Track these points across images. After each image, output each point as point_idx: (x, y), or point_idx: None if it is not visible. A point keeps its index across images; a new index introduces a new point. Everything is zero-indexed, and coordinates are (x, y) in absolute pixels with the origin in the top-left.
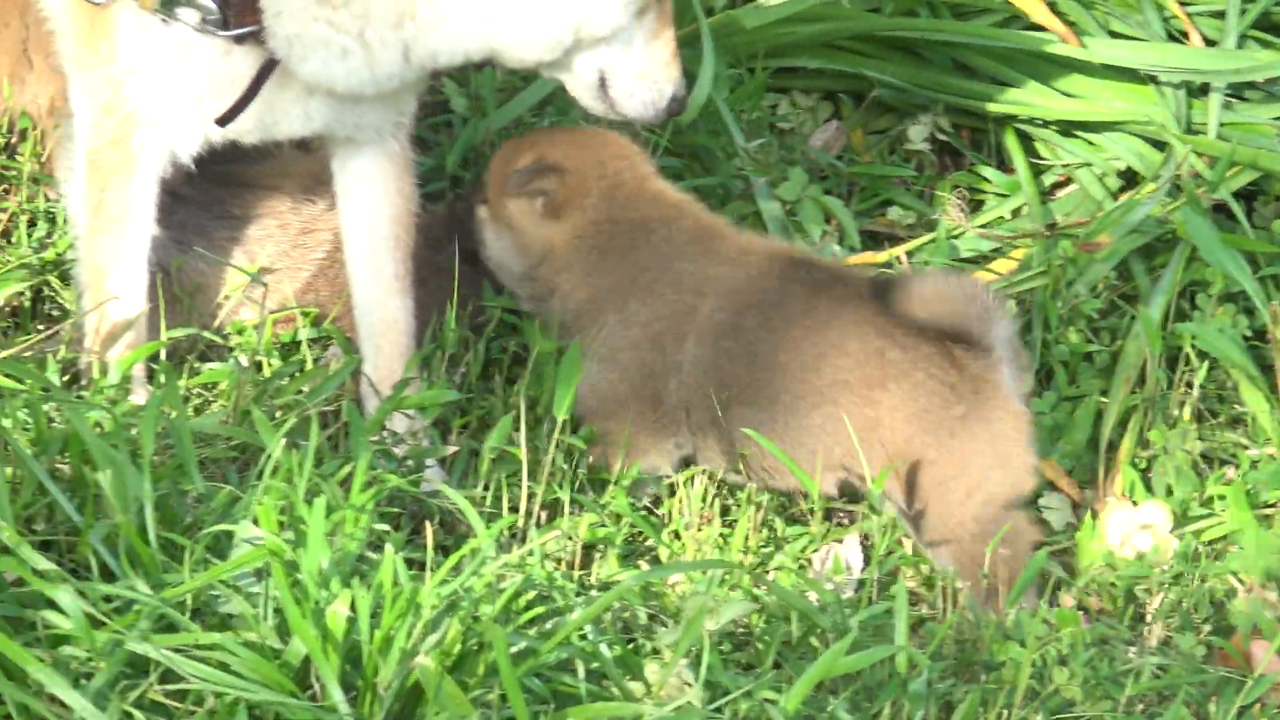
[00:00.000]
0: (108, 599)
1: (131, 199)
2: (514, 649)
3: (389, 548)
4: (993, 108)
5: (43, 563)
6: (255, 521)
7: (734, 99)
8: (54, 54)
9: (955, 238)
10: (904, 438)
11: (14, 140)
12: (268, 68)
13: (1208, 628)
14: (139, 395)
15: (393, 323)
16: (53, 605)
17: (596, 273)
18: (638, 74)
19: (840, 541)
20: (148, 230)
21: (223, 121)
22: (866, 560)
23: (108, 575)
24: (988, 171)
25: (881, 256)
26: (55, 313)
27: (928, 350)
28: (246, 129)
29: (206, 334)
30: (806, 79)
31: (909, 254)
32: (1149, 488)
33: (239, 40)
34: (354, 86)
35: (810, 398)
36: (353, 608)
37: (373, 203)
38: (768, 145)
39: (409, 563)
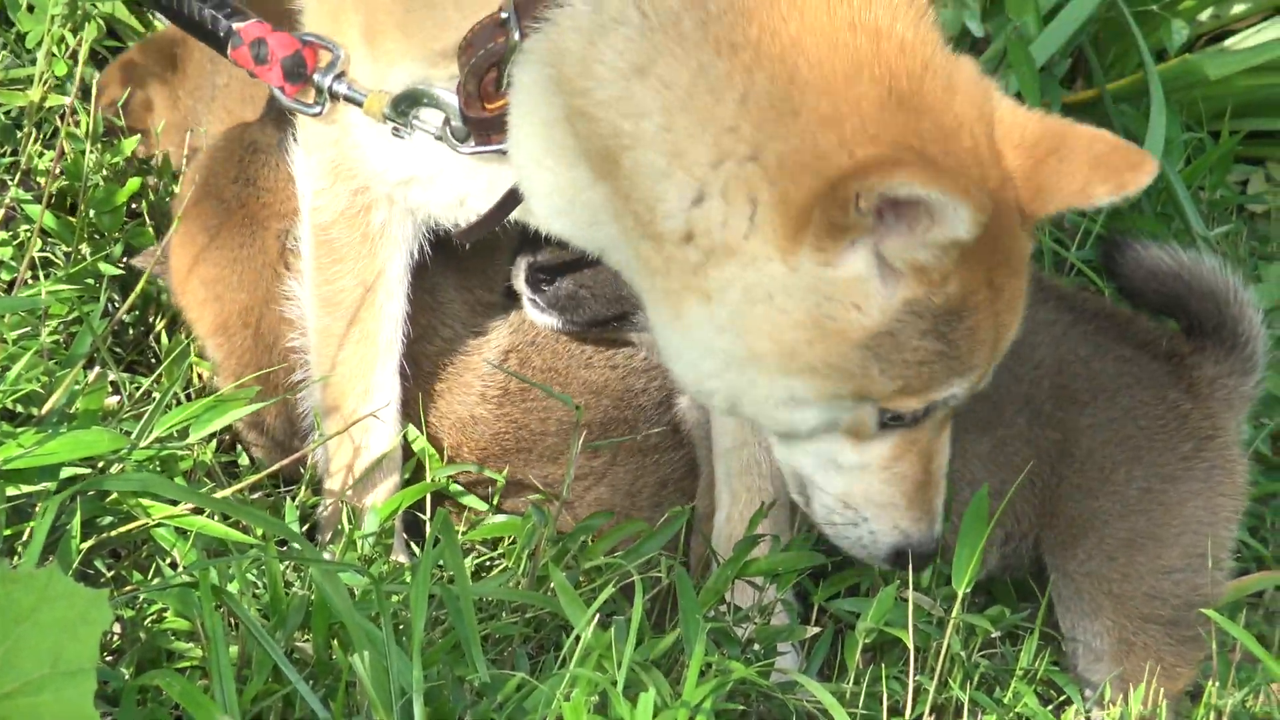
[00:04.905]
0: None
1: (375, 292)
2: None
3: None
4: None
5: None
6: None
7: (1191, 171)
8: None
9: None
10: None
11: None
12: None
13: None
14: (398, 552)
15: (755, 463)
16: None
17: None
18: (838, 496)
19: None
20: (398, 329)
21: (462, 237)
22: None
23: None
24: None
25: None
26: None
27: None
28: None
29: (489, 472)
30: None
31: None
32: None
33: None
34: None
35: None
36: None
37: None
38: (1236, 233)
39: None
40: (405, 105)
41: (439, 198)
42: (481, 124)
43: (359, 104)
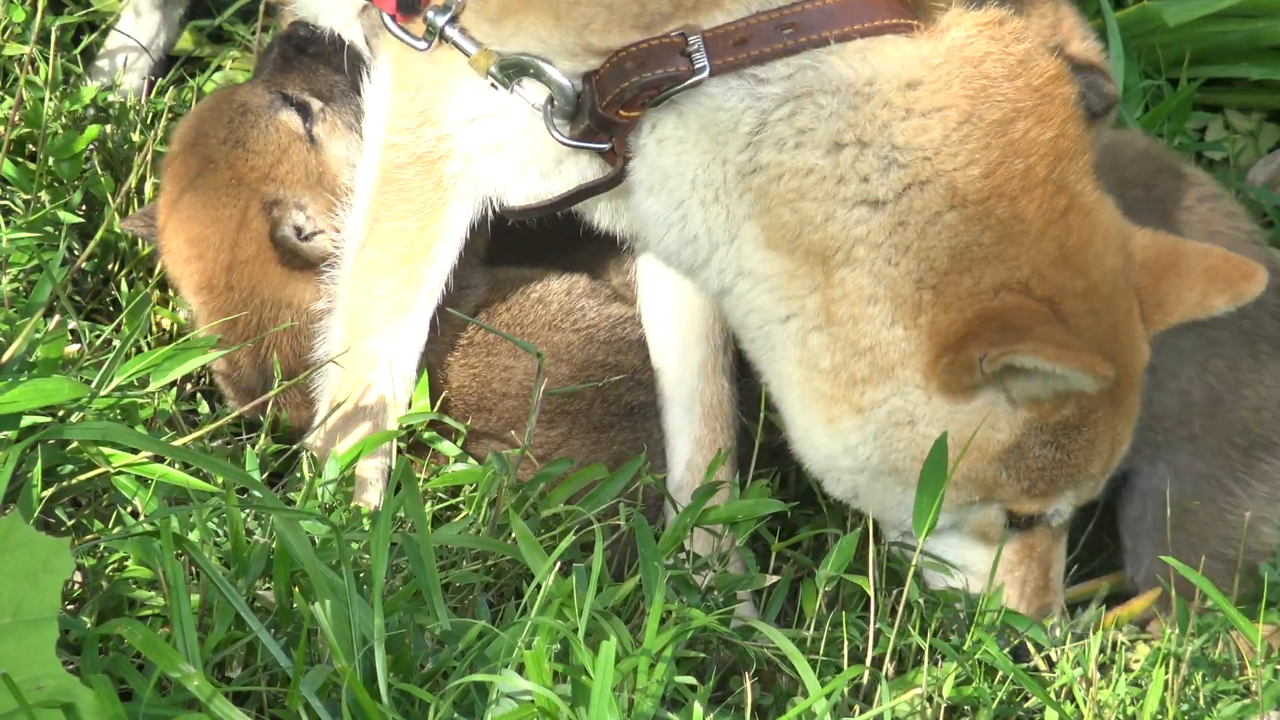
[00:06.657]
0: None
1: (434, 239)
2: None
3: (697, 707)
4: None
5: None
6: (520, 670)
7: (1150, 118)
8: None
9: None
10: None
11: None
12: (607, 183)
13: None
14: (370, 498)
15: (717, 406)
16: None
17: None
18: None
19: None
20: (442, 281)
21: (520, 213)
22: None
23: None
24: None
25: None
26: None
27: None
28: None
29: (451, 422)
30: (1246, 94)
31: None
32: None
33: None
34: (666, 257)
35: None
36: None
37: None
38: None
39: None
40: (513, 71)
41: (519, 177)
42: (603, 122)
43: (467, 54)
